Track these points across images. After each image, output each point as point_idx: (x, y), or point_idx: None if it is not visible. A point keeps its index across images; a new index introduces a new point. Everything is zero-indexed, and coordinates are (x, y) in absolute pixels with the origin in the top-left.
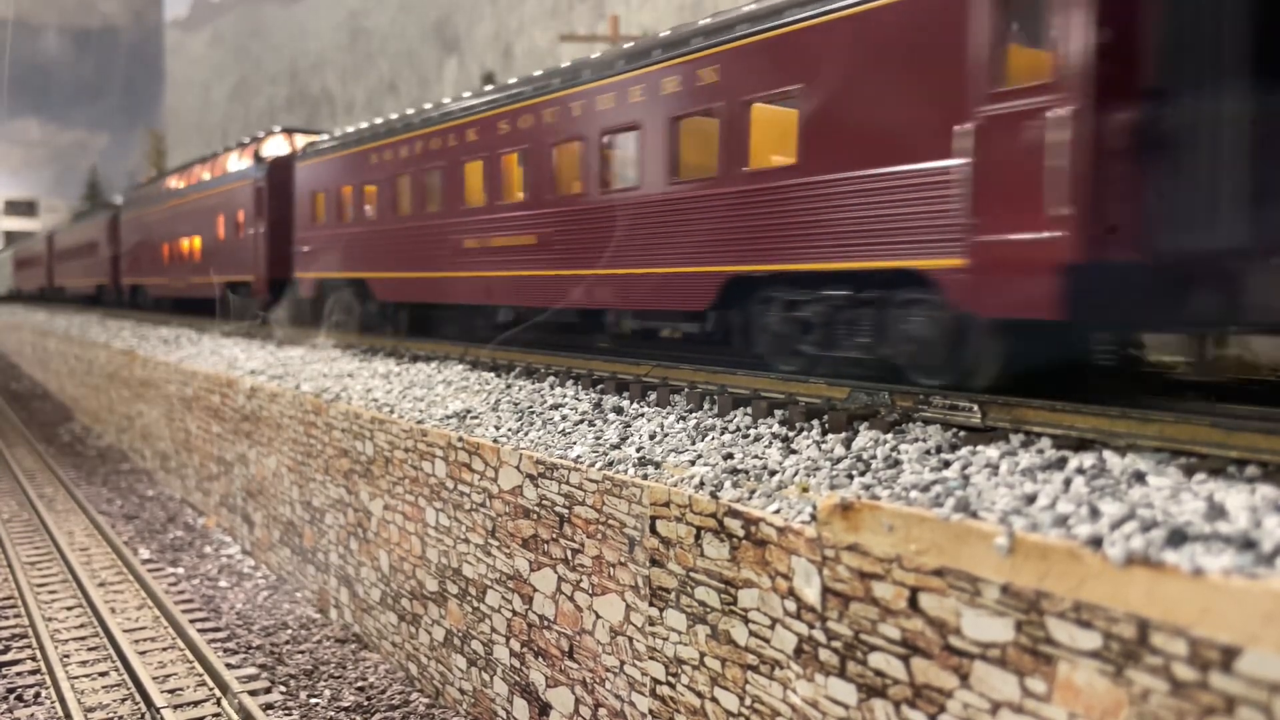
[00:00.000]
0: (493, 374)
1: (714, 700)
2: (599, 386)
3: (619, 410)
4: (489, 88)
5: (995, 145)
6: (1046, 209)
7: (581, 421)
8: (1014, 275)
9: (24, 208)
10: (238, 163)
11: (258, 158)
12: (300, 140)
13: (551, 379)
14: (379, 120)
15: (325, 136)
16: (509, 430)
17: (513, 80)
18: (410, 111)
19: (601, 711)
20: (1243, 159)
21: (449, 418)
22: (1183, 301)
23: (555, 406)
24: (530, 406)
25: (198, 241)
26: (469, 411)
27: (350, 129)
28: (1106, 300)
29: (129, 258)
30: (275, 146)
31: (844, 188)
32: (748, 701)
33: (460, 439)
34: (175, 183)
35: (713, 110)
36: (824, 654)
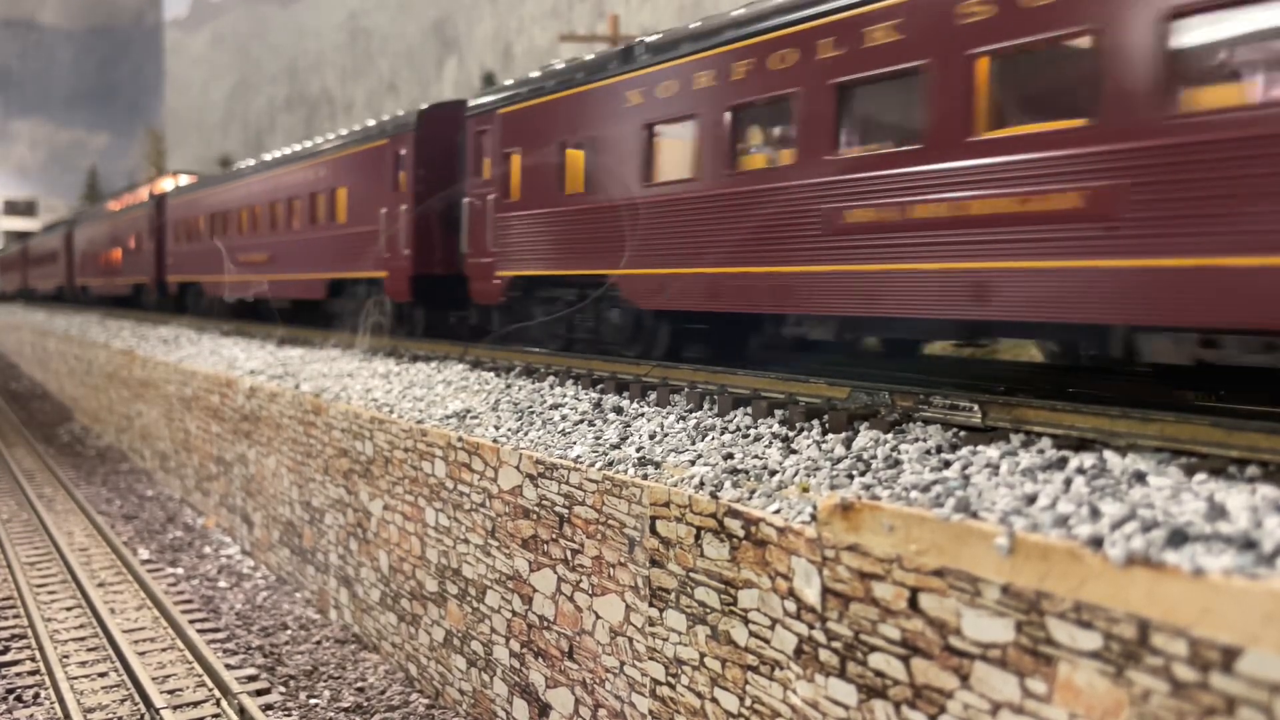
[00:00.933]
0: (492, 374)
1: (714, 701)
2: (599, 386)
3: (619, 410)
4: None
5: (384, 216)
6: (400, 249)
7: (581, 421)
8: (397, 280)
9: (24, 208)
10: (143, 196)
11: (151, 195)
12: (184, 180)
13: (551, 379)
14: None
15: (193, 181)
16: (509, 430)
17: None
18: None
19: (601, 712)
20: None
21: (449, 418)
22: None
23: (555, 406)
24: (530, 406)
25: (119, 253)
26: (469, 411)
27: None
28: (428, 292)
29: (79, 264)
30: (169, 185)
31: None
32: (748, 702)
33: (460, 439)
34: (112, 206)
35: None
36: (824, 654)
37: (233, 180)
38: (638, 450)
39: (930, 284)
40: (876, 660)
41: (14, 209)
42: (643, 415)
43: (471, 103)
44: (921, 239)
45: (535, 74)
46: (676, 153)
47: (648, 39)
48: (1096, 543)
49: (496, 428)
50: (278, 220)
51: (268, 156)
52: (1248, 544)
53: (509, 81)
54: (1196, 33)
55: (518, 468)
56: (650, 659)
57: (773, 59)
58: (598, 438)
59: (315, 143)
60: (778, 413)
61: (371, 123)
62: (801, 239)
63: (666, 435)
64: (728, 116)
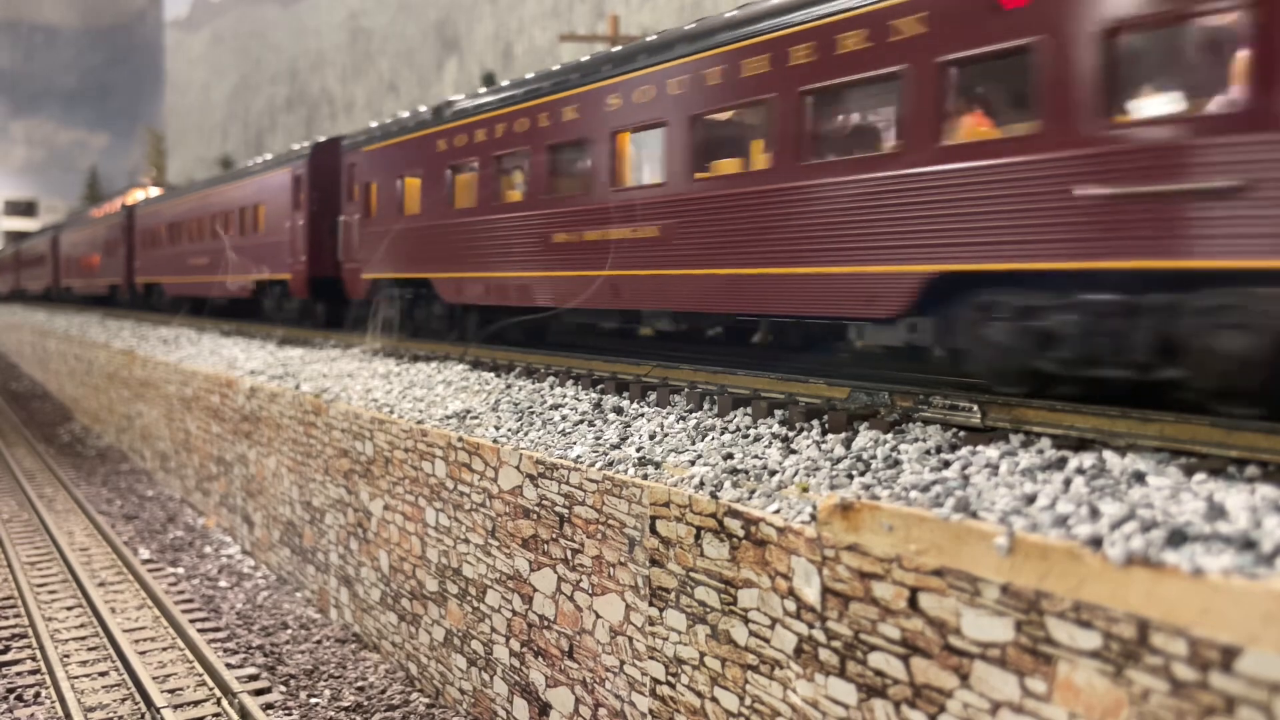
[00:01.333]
0: (493, 374)
1: (714, 700)
2: (599, 386)
3: (619, 410)
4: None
5: (288, 229)
6: (299, 255)
7: (581, 421)
8: (297, 281)
9: (24, 208)
10: (118, 207)
11: (123, 205)
12: (154, 191)
13: (551, 379)
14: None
15: (160, 193)
16: (509, 430)
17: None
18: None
19: (601, 711)
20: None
21: (449, 418)
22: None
23: (555, 406)
24: (530, 406)
25: (97, 257)
26: (469, 411)
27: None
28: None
29: (64, 266)
30: (139, 196)
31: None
32: (748, 701)
33: (460, 439)
34: (94, 213)
35: None
36: (824, 654)
37: (187, 194)
38: (638, 450)
39: (601, 284)
40: (876, 659)
41: (14, 209)
42: (643, 415)
43: (345, 140)
44: (593, 254)
45: (397, 117)
46: (467, 188)
47: (455, 102)
48: (1096, 542)
49: (497, 428)
50: (217, 230)
51: (212, 175)
52: (1247, 544)
53: (374, 124)
54: (710, 130)
55: (518, 468)
56: (650, 658)
57: (500, 129)
58: (598, 438)
59: (247, 165)
60: (777, 413)
61: (295, 146)
62: (530, 253)
63: (666, 435)
64: (489, 168)
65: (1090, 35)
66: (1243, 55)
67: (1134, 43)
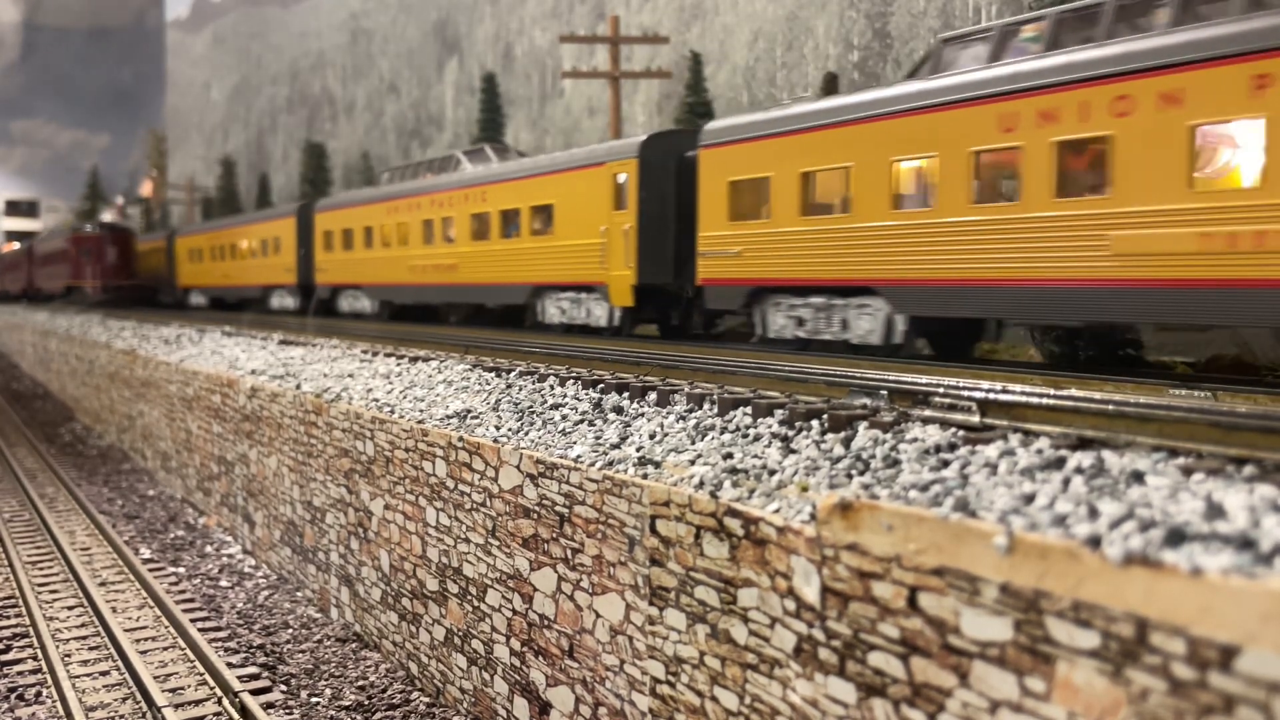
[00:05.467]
0: (493, 374)
1: (714, 699)
2: (599, 386)
3: (619, 410)
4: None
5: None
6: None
7: (581, 421)
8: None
9: (25, 208)
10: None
11: (72, 229)
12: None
13: (552, 379)
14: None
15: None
16: (509, 430)
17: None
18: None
19: (601, 710)
20: None
21: (449, 418)
22: None
23: (555, 406)
24: (530, 406)
25: (56, 263)
26: (469, 411)
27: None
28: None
29: (35, 271)
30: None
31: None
32: (747, 700)
33: (460, 439)
34: (67, 230)
35: None
36: (823, 653)
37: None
38: (638, 450)
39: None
40: (876, 659)
41: (15, 209)
42: (643, 415)
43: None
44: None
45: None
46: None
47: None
48: (1095, 542)
49: (497, 428)
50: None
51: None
52: (1245, 543)
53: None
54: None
55: (518, 467)
56: (650, 657)
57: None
58: (598, 438)
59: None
60: (777, 412)
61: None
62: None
63: (666, 435)
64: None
65: None
66: None
67: None
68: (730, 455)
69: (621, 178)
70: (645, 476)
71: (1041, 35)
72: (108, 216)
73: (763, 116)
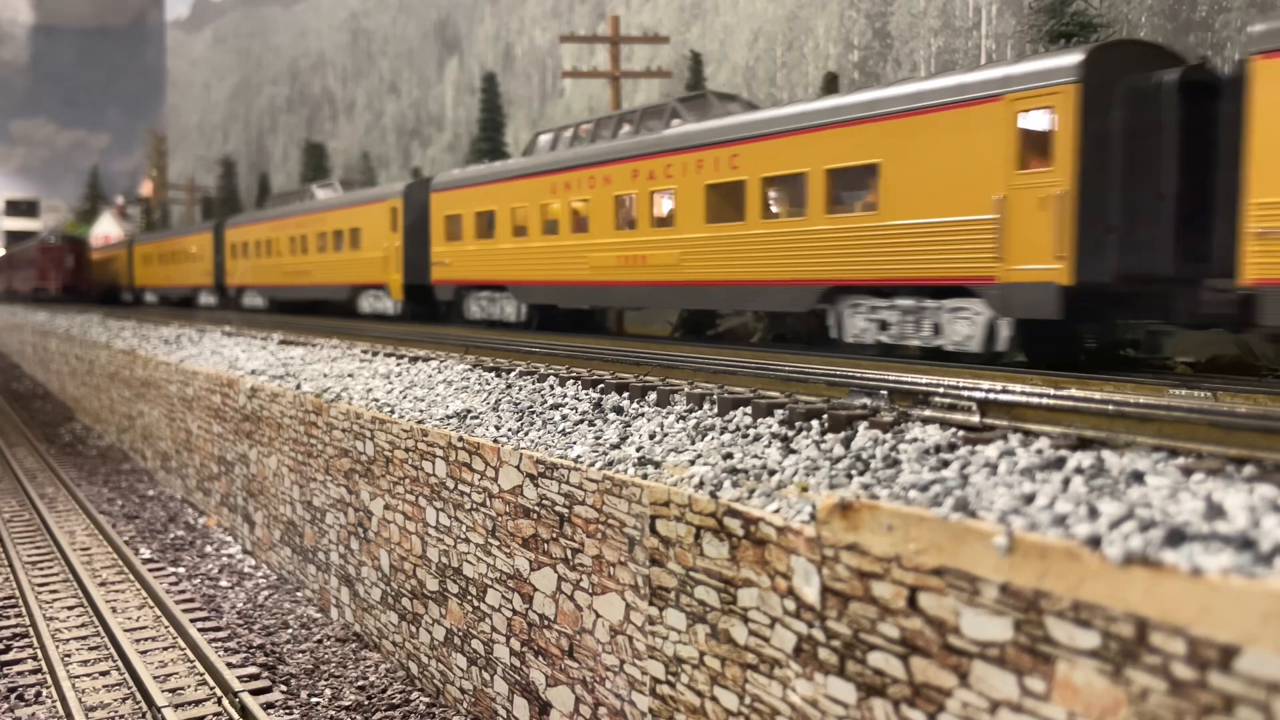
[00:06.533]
0: (493, 374)
1: (714, 699)
2: (599, 386)
3: (619, 410)
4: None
5: None
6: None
7: (581, 421)
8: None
9: (25, 208)
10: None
11: (40, 240)
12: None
13: (552, 379)
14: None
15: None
16: (509, 430)
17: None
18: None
19: (601, 710)
20: None
21: (449, 418)
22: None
23: (555, 406)
24: (530, 406)
25: (30, 268)
26: (469, 411)
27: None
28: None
29: (11, 275)
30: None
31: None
32: (747, 700)
33: (460, 439)
34: (40, 240)
35: None
36: (823, 653)
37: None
38: (638, 450)
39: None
40: (875, 659)
41: (15, 209)
42: (643, 415)
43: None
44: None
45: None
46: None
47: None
48: (1094, 542)
49: (497, 428)
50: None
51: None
52: (1245, 543)
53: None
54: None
55: (518, 467)
56: (650, 657)
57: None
58: (598, 438)
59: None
60: (777, 412)
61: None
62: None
63: (666, 435)
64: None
65: None
66: None
67: None
68: (730, 455)
69: (394, 210)
70: (645, 476)
71: (586, 134)
72: (108, 216)
73: (458, 174)
